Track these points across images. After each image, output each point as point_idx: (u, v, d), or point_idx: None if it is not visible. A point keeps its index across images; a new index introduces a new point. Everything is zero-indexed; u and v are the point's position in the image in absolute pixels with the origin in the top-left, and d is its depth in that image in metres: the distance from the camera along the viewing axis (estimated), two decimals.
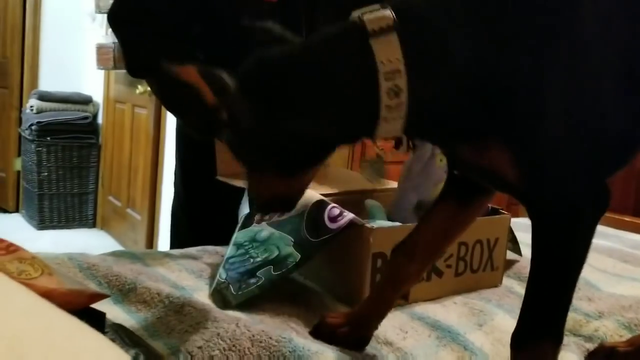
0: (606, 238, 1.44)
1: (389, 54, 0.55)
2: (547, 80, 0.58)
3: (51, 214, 3.86)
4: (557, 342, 0.66)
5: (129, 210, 3.59)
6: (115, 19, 1.12)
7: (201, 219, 1.36)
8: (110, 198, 3.88)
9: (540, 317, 0.66)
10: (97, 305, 0.76)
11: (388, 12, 0.56)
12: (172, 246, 1.38)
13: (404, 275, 0.78)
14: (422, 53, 0.56)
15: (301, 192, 0.73)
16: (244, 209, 1.15)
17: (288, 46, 0.64)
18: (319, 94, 0.58)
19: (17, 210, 4.16)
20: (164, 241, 2.95)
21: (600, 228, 1.57)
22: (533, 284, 0.66)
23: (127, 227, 3.61)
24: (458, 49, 0.56)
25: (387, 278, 0.80)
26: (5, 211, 4.17)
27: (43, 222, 3.84)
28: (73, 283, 0.58)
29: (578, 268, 0.65)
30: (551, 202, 0.63)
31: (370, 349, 0.77)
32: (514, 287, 1.04)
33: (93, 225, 4.02)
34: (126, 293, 0.83)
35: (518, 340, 0.66)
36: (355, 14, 0.58)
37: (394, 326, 0.83)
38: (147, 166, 3.34)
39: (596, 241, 1.39)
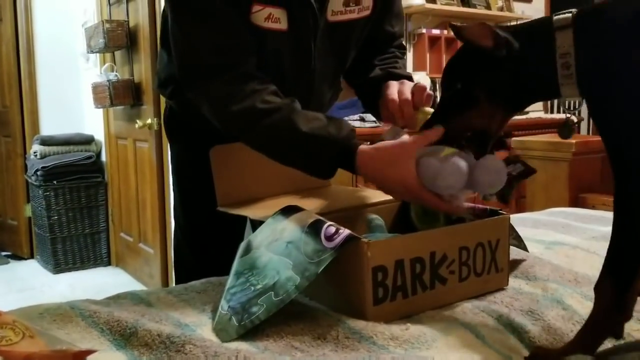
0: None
1: (564, 41, 0.83)
2: None
3: (66, 257, 3.89)
4: (618, 283, 0.78)
5: (141, 245, 3.60)
6: None
7: (206, 250, 1.36)
8: (122, 234, 3.90)
9: (610, 260, 0.80)
10: (101, 354, 0.76)
11: (570, 15, 0.84)
12: (178, 280, 1.38)
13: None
14: (587, 43, 0.82)
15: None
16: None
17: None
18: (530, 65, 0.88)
19: (32, 256, 4.19)
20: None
21: (605, 214, 1.55)
22: (613, 234, 0.80)
23: (141, 262, 3.62)
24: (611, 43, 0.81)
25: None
26: (20, 258, 4.20)
27: (59, 266, 3.86)
28: (57, 343, 0.57)
29: None
30: None
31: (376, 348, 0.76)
32: (523, 288, 1.02)
33: (108, 263, 4.04)
34: (128, 338, 0.83)
35: (597, 282, 0.81)
36: (552, 15, 0.86)
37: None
38: (154, 199, 3.35)
39: (602, 228, 1.39)
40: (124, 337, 0.83)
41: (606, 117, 0.81)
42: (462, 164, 0.94)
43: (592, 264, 1.10)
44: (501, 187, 0.96)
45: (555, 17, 0.86)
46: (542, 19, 0.92)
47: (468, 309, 0.93)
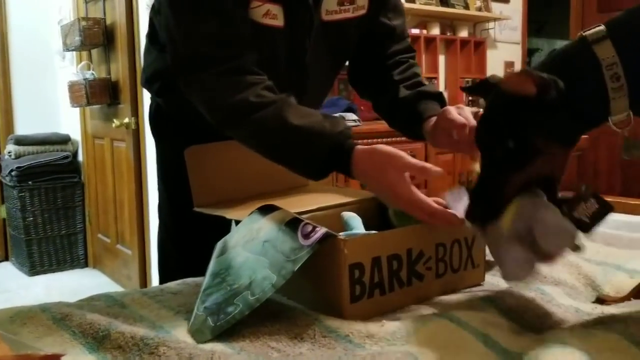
0: None
1: (606, 53, 0.79)
2: None
3: (41, 259, 3.83)
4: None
5: (119, 246, 3.56)
6: None
7: (191, 249, 1.34)
8: (100, 236, 3.85)
9: None
10: (73, 358, 0.75)
11: (602, 27, 0.81)
12: (162, 279, 1.36)
13: None
14: (629, 49, 0.80)
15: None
16: None
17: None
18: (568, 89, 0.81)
19: (6, 259, 4.13)
20: (157, 274, 2.93)
21: None
22: None
23: (119, 264, 3.58)
24: None
25: None
26: None
27: (34, 268, 3.80)
28: (22, 348, 0.56)
29: None
30: None
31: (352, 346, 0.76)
32: (500, 283, 1.02)
33: (85, 265, 3.99)
34: (100, 340, 0.81)
35: None
36: (581, 34, 0.83)
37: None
38: (132, 199, 3.31)
39: None
40: (97, 339, 0.82)
41: None
42: (519, 256, 0.83)
43: (569, 261, 1.10)
44: (569, 245, 0.83)
45: (587, 33, 0.82)
46: (571, 43, 0.88)
47: (444, 301, 0.94)
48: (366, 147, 1.01)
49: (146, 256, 3.24)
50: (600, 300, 0.96)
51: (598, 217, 0.85)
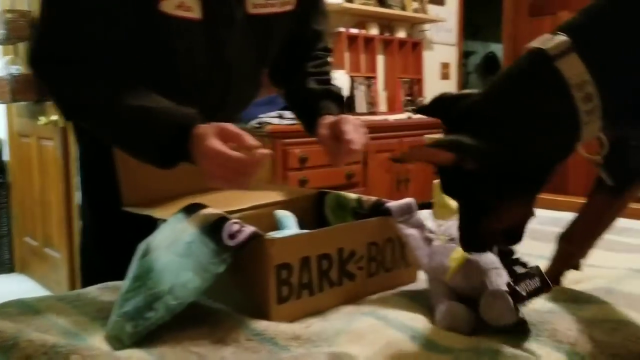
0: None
1: (574, 69, 0.67)
2: None
3: None
4: None
5: (47, 250, 3.40)
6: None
7: (115, 252, 1.27)
8: (26, 239, 3.68)
9: None
10: None
11: (564, 37, 0.68)
12: (85, 284, 1.29)
13: (567, 256, 0.96)
14: (600, 62, 0.68)
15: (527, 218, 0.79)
16: None
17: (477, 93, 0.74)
18: (528, 119, 0.70)
19: None
20: None
21: None
22: None
23: (47, 268, 3.42)
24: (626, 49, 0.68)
25: (556, 258, 0.98)
26: None
27: None
28: None
29: None
30: None
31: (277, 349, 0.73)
32: None
33: (11, 269, 3.79)
34: (8, 350, 0.75)
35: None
36: (530, 45, 0.71)
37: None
38: (60, 200, 3.18)
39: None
40: (3, 349, 0.76)
41: None
42: (456, 311, 0.82)
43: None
44: (511, 321, 0.79)
45: (547, 46, 0.69)
46: (526, 57, 0.72)
47: (375, 300, 0.93)
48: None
49: (75, 259, 3.10)
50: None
51: (534, 294, 0.87)
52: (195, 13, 1.06)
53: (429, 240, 0.95)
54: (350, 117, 1.19)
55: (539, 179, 0.73)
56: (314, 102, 1.28)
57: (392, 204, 0.99)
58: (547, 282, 0.86)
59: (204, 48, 1.12)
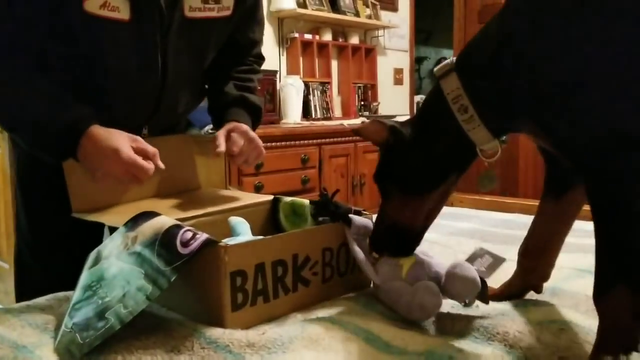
0: (469, 220, 1.50)
1: (451, 86, 0.80)
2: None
3: None
4: (632, 287, 0.71)
5: None
6: None
7: (57, 262, 1.24)
8: None
9: (611, 267, 0.72)
10: None
11: (449, 61, 0.82)
12: (19, 297, 1.25)
13: (528, 271, 0.96)
14: (472, 77, 0.80)
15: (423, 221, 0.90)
16: None
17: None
18: (428, 128, 0.85)
19: None
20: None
21: (461, 211, 1.64)
22: (597, 238, 0.73)
23: None
24: (503, 65, 0.77)
25: (515, 274, 0.97)
26: None
27: None
28: None
29: (636, 213, 0.71)
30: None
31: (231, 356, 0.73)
32: None
33: None
34: None
35: (597, 294, 0.73)
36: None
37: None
38: (7, 208, 3.07)
39: (459, 224, 1.46)
40: None
41: (569, 127, 0.73)
42: (434, 289, 0.86)
43: (447, 258, 1.14)
44: (477, 292, 0.88)
45: (436, 68, 0.83)
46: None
47: (327, 305, 0.93)
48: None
49: None
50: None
51: (493, 268, 0.99)
52: (122, 14, 1.06)
53: (375, 259, 0.98)
54: (243, 127, 1.23)
55: (438, 177, 0.86)
56: (226, 107, 1.29)
57: (355, 218, 1.00)
58: (499, 256, 1.01)
59: (134, 49, 1.11)
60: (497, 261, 1.01)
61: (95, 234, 1.26)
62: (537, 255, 0.95)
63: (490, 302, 0.91)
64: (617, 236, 0.72)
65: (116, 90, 1.13)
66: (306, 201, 1.15)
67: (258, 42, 1.37)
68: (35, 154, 1.10)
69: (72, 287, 1.01)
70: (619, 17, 0.69)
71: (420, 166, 0.85)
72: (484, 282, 0.89)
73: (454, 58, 0.84)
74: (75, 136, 1.02)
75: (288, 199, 1.20)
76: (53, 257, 1.24)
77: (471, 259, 1.00)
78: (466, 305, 0.91)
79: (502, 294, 0.97)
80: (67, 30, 1.06)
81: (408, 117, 0.93)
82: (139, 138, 1.06)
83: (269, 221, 1.23)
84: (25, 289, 1.26)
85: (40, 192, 1.22)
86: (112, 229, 1.07)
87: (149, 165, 1.02)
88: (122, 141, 1.02)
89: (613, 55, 0.69)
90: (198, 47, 1.21)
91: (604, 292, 0.73)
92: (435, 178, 0.86)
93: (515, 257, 0.98)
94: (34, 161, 1.18)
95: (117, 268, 0.87)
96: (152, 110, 1.20)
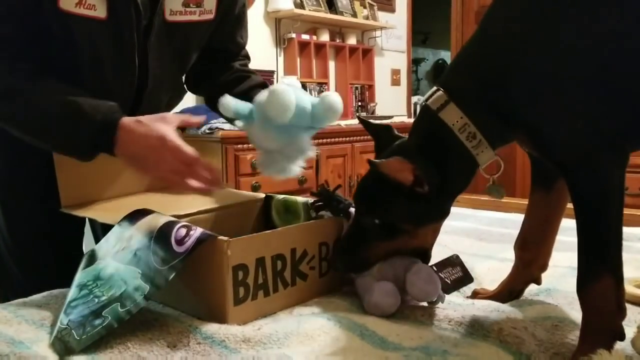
0: (465, 219, 1.50)
1: (454, 117, 0.81)
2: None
3: None
4: (616, 277, 0.73)
5: None
6: None
7: (37, 263, 1.23)
8: None
9: (594, 259, 0.74)
10: None
11: (440, 93, 0.83)
12: (4, 300, 1.24)
13: (526, 263, 0.96)
14: (473, 103, 0.81)
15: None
16: (90, 245, 1.05)
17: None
18: (440, 162, 0.84)
19: None
20: None
21: (458, 210, 1.64)
22: (580, 232, 0.75)
23: None
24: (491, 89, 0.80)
25: (514, 269, 0.98)
26: None
27: None
28: None
29: (613, 205, 0.73)
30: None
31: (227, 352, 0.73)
32: None
33: None
34: None
35: (581, 286, 0.75)
36: (420, 101, 0.86)
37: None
38: None
39: (455, 223, 1.46)
40: None
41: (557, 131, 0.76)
42: (389, 291, 0.89)
43: (442, 257, 1.14)
44: (436, 296, 0.90)
45: (429, 102, 0.84)
46: (418, 116, 0.89)
47: (323, 300, 0.94)
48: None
49: None
50: (475, 294, 1.00)
51: (459, 283, 0.98)
52: (99, 12, 1.05)
53: None
54: None
55: (450, 203, 0.90)
56: (256, 87, 1.27)
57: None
58: (469, 273, 1.00)
59: (111, 48, 1.10)
60: (466, 279, 0.99)
61: (75, 235, 1.26)
62: (535, 246, 0.96)
63: (485, 299, 0.92)
64: (600, 228, 0.74)
65: (94, 89, 1.11)
66: (299, 198, 1.15)
67: (245, 44, 1.38)
68: (64, 154, 1.07)
69: (53, 287, 1.02)
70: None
71: (442, 199, 0.86)
72: (444, 290, 0.93)
73: (441, 91, 0.83)
74: (110, 128, 0.99)
75: (280, 196, 1.20)
76: (33, 258, 1.23)
77: (442, 265, 0.98)
78: (432, 303, 0.92)
79: (504, 291, 0.97)
80: (44, 31, 1.05)
81: (405, 141, 0.90)
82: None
83: (262, 218, 1.23)
84: (6, 290, 1.24)
85: (19, 192, 1.21)
86: (102, 227, 1.06)
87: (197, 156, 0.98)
88: (165, 127, 0.99)
89: (582, 61, 0.73)
90: (180, 51, 1.20)
91: (588, 284, 0.74)
92: (449, 205, 0.90)
93: (512, 257, 0.98)
94: (12, 162, 1.17)
95: (114, 268, 0.87)
96: (131, 108, 1.19)
